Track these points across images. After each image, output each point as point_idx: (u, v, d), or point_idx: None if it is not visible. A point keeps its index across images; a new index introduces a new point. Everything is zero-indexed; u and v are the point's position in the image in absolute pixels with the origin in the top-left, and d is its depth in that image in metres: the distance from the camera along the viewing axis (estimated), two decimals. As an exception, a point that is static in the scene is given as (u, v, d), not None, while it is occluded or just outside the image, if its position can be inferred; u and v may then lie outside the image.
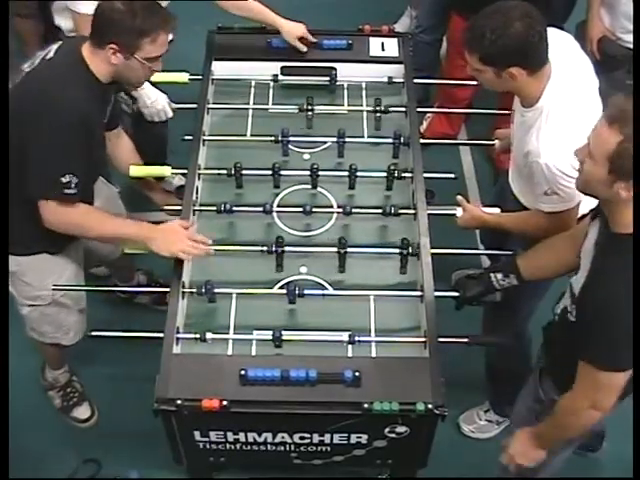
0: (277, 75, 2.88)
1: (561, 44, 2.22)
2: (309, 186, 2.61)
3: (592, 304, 1.79)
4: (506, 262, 2.32)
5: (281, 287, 2.38)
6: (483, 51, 2.08)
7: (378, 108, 2.76)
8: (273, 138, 2.65)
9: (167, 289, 2.33)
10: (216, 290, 2.31)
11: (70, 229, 2.27)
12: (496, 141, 2.74)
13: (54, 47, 2.26)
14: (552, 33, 2.14)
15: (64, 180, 2.13)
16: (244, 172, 2.57)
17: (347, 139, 2.68)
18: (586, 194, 1.87)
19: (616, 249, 1.78)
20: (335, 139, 2.66)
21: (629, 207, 1.74)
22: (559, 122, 2.12)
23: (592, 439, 2.62)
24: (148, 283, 3.13)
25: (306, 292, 2.30)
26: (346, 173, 2.57)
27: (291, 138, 2.71)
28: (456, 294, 2.32)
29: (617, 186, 1.71)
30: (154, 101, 2.82)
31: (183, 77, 2.81)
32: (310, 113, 2.75)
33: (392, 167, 2.57)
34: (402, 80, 2.88)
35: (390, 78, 2.87)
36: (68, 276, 2.51)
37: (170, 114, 2.87)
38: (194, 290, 2.30)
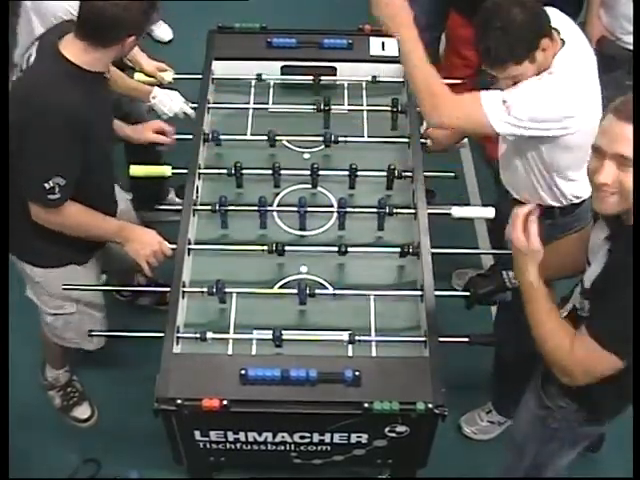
0: (260, 75, 2.86)
1: (566, 21, 2.27)
2: (309, 185, 2.61)
3: (612, 290, 1.75)
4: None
5: (281, 286, 2.38)
6: (516, 50, 2.10)
7: (395, 109, 2.76)
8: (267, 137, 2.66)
9: (168, 289, 2.34)
10: (206, 289, 2.30)
11: (56, 228, 2.27)
12: (428, 140, 2.73)
13: (33, 50, 2.21)
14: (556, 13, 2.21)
15: (47, 186, 2.12)
16: (244, 172, 2.58)
17: (347, 139, 2.68)
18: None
19: (625, 241, 1.74)
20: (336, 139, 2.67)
21: None
22: (571, 82, 2.15)
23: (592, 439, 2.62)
24: (147, 284, 3.13)
25: (316, 292, 2.29)
26: (346, 173, 2.58)
27: (291, 138, 2.72)
28: (467, 294, 2.32)
29: None
30: (170, 107, 2.81)
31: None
32: (327, 113, 2.76)
33: (392, 167, 2.57)
34: (402, 80, 2.88)
35: (391, 78, 2.88)
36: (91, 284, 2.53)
37: (190, 111, 2.81)
38: (205, 290, 2.29)
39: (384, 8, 2.18)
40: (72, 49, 2.11)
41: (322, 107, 2.75)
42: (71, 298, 2.50)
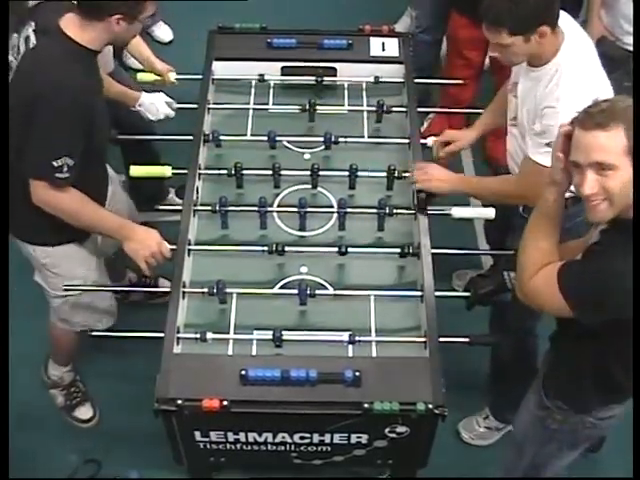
0: (263, 75, 2.87)
1: (569, 19, 2.27)
2: (310, 186, 2.61)
3: (595, 253, 1.79)
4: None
5: (282, 287, 2.38)
6: (514, 20, 2.09)
7: (379, 110, 2.77)
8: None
9: (168, 289, 2.35)
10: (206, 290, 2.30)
11: (56, 212, 2.27)
12: (429, 140, 2.70)
13: (29, 31, 2.22)
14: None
15: (56, 164, 2.13)
16: (244, 172, 2.57)
17: (348, 139, 2.68)
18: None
19: (619, 228, 1.77)
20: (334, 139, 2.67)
21: None
22: (577, 77, 2.16)
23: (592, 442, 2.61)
24: (139, 279, 3.14)
25: (317, 292, 2.30)
26: (346, 173, 2.58)
27: (291, 138, 2.72)
28: (467, 294, 2.32)
29: None
30: (155, 114, 2.84)
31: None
32: (312, 112, 2.76)
33: (392, 167, 2.57)
34: (402, 80, 2.88)
35: (391, 78, 2.88)
36: (96, 264, 2.54)
37: (172, 114, 2.87)
38: (205, 290, 2.29)
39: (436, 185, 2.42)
40: (72, 27, 2.14)
41: (307, 107, 2.75)
42: (78, 277, 2.48)
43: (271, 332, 2.21)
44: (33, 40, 2.23)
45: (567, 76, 2.16)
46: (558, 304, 1.80)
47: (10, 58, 2.53)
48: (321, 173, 2.58)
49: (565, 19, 2.24)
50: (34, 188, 2.21)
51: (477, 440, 2.91)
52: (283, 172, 2.58)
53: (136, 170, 2.65)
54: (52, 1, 2.33)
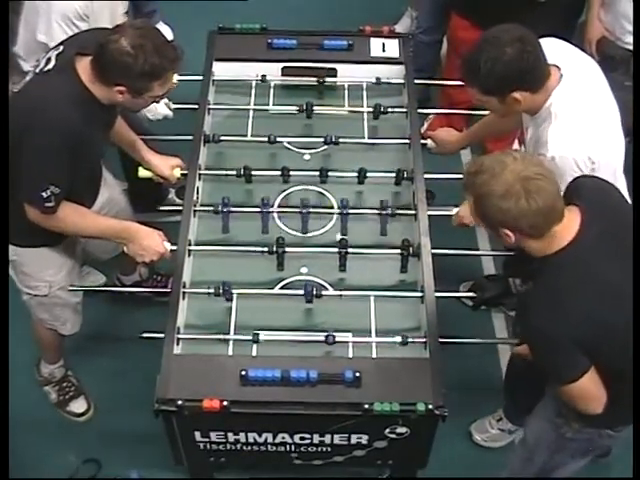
0: (265, 76, 2.88)
1: (563, 51, 2.23)
2: (309, 186, 2.61)
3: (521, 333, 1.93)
4: (527, 269, 2.31)
5: (282, 287, 2.38)
6: (481, 84, 2.09)
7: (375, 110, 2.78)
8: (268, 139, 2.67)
9: (168, 289, 2.35)
10: (212, 290, 2.31)
11: (52, 228, 2.32)
12: (429, 141, 2.76)
13: (54, 54, 2.23)
14: (552, 43, 2.17)
15: (45, 195, 2.17)
16: (244, 172, 2.58)
17: (347, 140, 2.69)
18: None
19: (532, 272, 1.90)
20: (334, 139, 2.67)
21: (526, 241, 1.85)
22: (567, 118, 2.13)
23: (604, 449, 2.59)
24: (150, 275, 3.15)
25: (323, 293, 2.30)
26: (348, 174, 2.58)
27: (292, 139, 2.72)
28: (470, 294, 2.34)
29: (501, 232, 1.84)
30: (154, 112, 2.84)
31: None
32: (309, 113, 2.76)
33: (401, 168, 2.59)
34: (403, 81, 2.88)
35: (391, 79, 2.88)
36: (67, 270, 2.54)
37: (170, 115, 2.87)
38: (211, 291, 2.30)
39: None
40: (85, 73, 2.16)
41: (304, 108, 2.75)
42: (44, 280, 2.49)
43: (271, 332, 2.21)
44: (50, 66, 2.24)
45: (556, 121, 2.13)
46: (576, 387, 1.88)
47: (28, 67, 2.56)
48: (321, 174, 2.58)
49: (563, 52, 2.20)
50: (29, 212, 2.26)
51: (489, 442, 2.88)
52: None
53: (144, 172, 2.64)
54: (88, 32, 2.35)
